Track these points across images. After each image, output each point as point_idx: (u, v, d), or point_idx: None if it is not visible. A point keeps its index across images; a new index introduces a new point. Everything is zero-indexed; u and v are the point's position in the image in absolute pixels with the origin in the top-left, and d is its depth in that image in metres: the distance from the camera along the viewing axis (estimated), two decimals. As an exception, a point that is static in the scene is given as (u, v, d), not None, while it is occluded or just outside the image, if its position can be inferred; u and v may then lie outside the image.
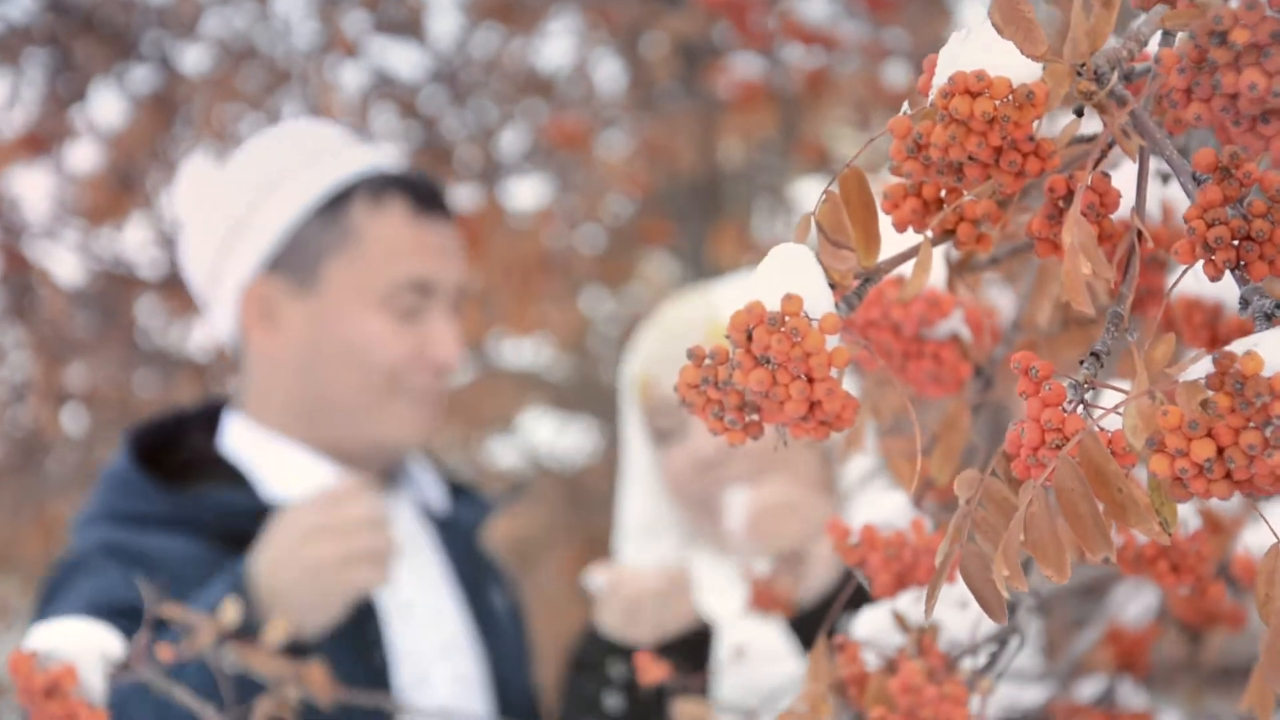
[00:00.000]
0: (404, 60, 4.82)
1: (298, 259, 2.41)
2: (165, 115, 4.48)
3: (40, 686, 1.52)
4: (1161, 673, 2.09)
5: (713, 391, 1.06)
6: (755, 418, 1.06)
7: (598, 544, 5.09)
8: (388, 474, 2.53)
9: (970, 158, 1.03)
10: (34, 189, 4.58)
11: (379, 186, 2.43)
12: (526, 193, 4.92)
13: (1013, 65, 1.03)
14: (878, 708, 1.32)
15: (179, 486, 2.37)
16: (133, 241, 4.72)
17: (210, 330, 2.54)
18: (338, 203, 2.42)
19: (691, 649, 2.23)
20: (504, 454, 5.26)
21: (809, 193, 4.65)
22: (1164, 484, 0.94)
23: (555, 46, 4.93)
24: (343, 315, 2.40)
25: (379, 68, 4.67)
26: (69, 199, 4.54)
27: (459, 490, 2.68)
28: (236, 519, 2.30)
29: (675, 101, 4.35)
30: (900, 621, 1.38)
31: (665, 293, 5.45)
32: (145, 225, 4.64)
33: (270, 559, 2.12)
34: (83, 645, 1.56)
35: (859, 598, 2.13)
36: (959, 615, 1.36)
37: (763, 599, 2.01)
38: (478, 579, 2.56)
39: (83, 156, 4.63)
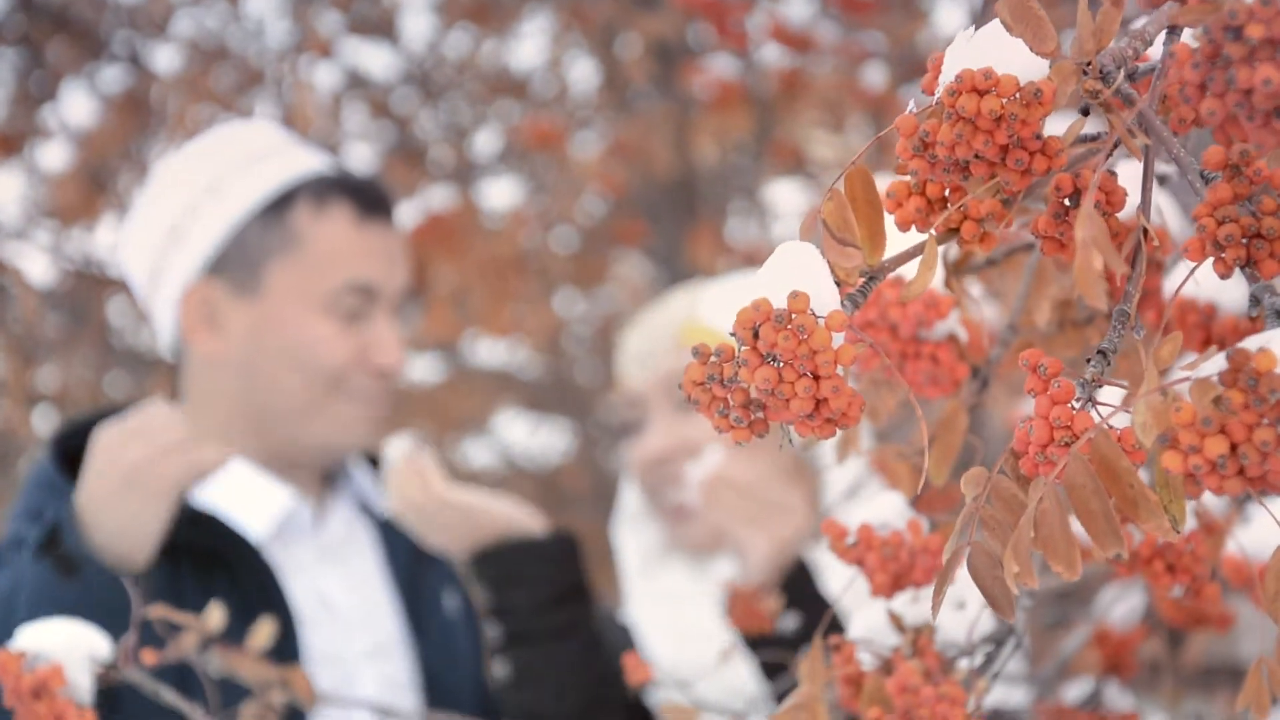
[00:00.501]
0: (376, 60, 4.80)
1: (240, 262, 2.40)
2: (137, 115, 4.45)
3: (28, 687, 1.51)
4: (1143, 674, 2.10)
5: (718, 389, 1.05)
6: (760, 415, 1.06)
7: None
8: (327, 474, 2.52)
9: (977, 156, 1.03)
10: (5, 189, 4.55)
11: (322, 190, 2.43)
12: (500, 193, 4.91)
13: (1017, 63, 1.03)
14: (874, 708, 1.32)
15: None
16: (104, 242, 4.70)
17: (152, 332, 2.52)
18: (281, 206, 2.41)
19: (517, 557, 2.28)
20: (478, 453, 5.25)
21: (784, 195, 4.66)
22: (1175, 481, 0.94)
23: (529, 47, 4.93)
24: (285, 318, 2.39)
25: (351, 67, 4.66)
26: (40, 199, 4.51)
27: None
28: None
29: (650, 102, 4.35)
30: (896, 621, 1.38)
31: (640, 294, 5.44)
32: (117, 225, 4.61)
33: (90, 480, 2.11)
34: (70, 645, 1.55)
35: (801, 595, 2.16)
36: (955, 616, 1.36)
37: (740, 614, 1.99)
38: (422, 579, 2.55)
39: (54, 156, 4.60)
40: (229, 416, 2.42)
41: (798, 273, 1.05)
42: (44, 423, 4.82)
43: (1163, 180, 1.45)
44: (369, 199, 2.46)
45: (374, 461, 2.66)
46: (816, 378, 1.02)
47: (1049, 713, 1.86)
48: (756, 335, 1.03)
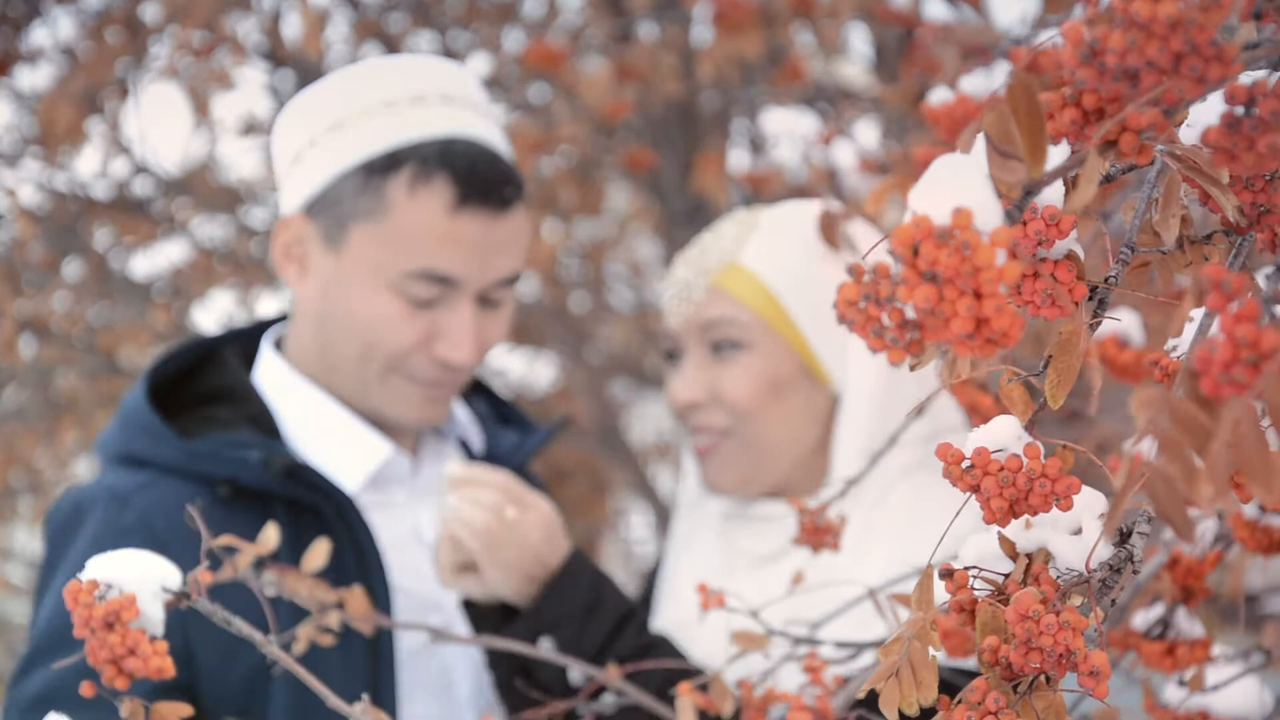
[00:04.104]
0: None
1: (332, 213, 2.32)
2: (125, 37, 4.36)
3: (99, 617, 1.46)
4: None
5: (873, 308, 1.02)
6: (917, 335, 1.02)
7: (565, 474, 5.07)
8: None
9: (1149, 63, 0.99)
10: (-9, 113, 4.47)
11: (430, 164, 2.28)
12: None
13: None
14: (991, 637, 1.28)
15: (199, 414, 2.32)
16: (90, 167, 4.62)
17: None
18: (383, 169, 2.29)
19: None
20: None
21: (788, 121, 4.60)
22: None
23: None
24: (354, 286, 2.31)
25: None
26: (27, 124, 4.43)
27: (508, 417, 2.64)
28: (250, 472, 2.22)
29: (652, 26, 4.28)
30: (1008, 548, 1.35)
31: (637, 222, 5.39)
32: (104, 149, 4.52)
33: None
34: (142, 575, 1.50)
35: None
36: (1070, 542, 1.33)
37: (810, 532, 1.96)
38: None
39: (41, 79, 4.51)
40: (322, 354, 2.39)
41: (958, 187, 1.01)
42: (28, 349, 4.76)
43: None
44: (478, 183, 2.30)
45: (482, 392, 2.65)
46: (979, 296, 0.99)
47: (1118, 639, 1.83)
48: (916, 252, 0.99)
